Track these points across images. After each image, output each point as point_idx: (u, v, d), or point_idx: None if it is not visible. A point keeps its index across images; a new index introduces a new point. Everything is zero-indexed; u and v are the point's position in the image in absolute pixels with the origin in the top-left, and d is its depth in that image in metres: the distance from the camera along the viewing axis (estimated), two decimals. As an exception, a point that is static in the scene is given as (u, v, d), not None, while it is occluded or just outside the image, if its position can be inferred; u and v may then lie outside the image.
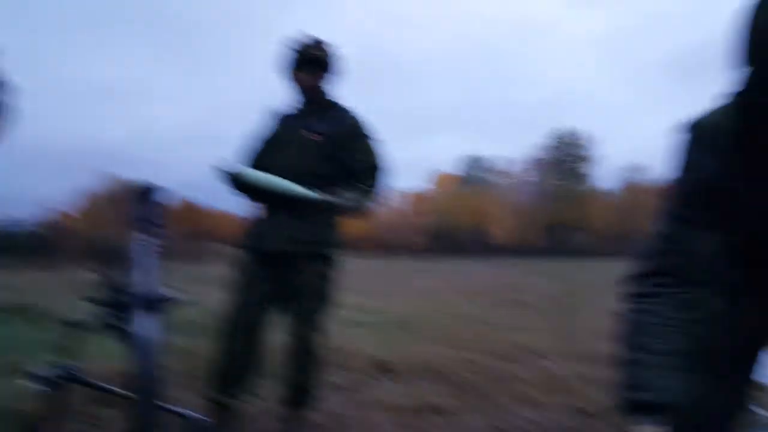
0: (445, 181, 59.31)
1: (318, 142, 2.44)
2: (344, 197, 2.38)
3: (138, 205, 1.97)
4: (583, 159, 51.69)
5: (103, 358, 2.56)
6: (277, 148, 2.50)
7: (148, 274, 1.63)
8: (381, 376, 3.66)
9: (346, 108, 2.57)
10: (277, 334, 2.51)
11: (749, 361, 1.01)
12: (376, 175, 2.51)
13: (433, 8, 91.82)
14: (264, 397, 2.64)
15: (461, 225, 51.58)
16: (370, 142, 2.54)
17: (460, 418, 2.78)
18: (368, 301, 8.05)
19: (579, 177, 51.24)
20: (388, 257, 38.77)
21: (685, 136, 1.03)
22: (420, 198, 57.40)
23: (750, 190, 0.92)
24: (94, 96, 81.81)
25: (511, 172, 56.81)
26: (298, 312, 2.43)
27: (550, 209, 49.10)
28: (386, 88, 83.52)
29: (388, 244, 52.88)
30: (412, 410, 2.88)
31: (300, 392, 2.43)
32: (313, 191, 2.35)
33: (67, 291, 8.17)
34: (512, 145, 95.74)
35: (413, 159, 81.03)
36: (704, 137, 0.99)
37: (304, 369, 2.41)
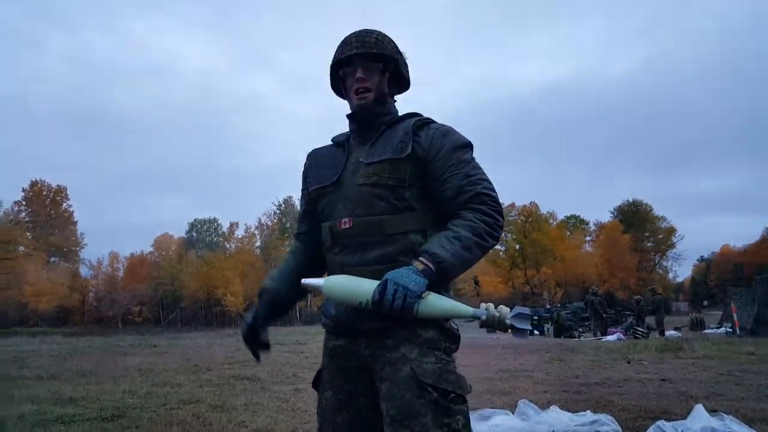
0: (169, 244, 56.00)
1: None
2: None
3: None
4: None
5: None
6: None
7: None
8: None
9: None
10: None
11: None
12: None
13: (147, 68, 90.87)
14: None
15: (190, 292, 48.62)
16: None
17: None
18: (73, 390, 6.89)
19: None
20: (99, 332, 34.44)
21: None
22: (140, 262, 52.82)
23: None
24: None
25: (237, 237, 56.61)
26: None
27: None
28: (92, 141, 78.45)
29: (101, 316, 47.36)
30: None
31: None
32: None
33: None
34: (235, 210, 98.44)
35: (131, 220, 76.54)
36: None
37: None
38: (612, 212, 59.58)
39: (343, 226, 1.56)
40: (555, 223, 56.65)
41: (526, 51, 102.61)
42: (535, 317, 19.10)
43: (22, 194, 48.92)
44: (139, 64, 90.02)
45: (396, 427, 1.40)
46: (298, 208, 1.90)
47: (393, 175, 1.55)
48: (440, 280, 1.45)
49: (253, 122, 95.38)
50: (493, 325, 1.48)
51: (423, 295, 1.39)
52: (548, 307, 22.58)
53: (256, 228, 55.52)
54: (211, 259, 50.14)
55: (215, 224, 58.88)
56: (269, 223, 54.74)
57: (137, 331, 35.28)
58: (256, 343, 1.70)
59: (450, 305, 1.44)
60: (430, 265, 1.41)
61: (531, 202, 55.15)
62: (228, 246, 56.66)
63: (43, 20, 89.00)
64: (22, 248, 46.18)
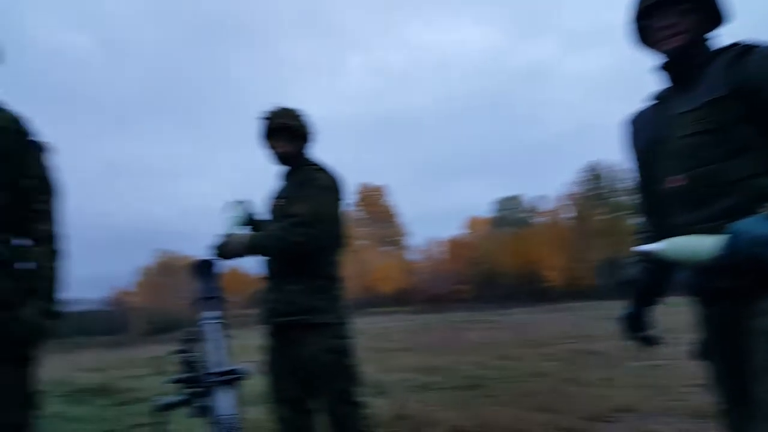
0: (481, 224, 58.55)
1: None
2: None
3: (201, 281, 1.88)
4: (624, 191, 46.29)
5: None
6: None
7: (219, 350, 1.71)
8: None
9: None
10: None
11: None
12: None
13: (431, 63, 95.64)
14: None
15: (506, 269, 49.85)
16: None
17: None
18: (429, 360, 7.66)
19: (622, 209, 46.20)
20: (433, 310, 38.15)
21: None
22: (458, 244, 56.57)
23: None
24: (135, 176, 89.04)
25: (547, 210, 55.40)
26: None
27: (598, 246, 46.54)
28: (399, 142, 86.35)
29: (432, 296, 52.29)
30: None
31: None
32: None
33: (140, 369, 9.04)
34: (538, 184, 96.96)
35: (443, 207, 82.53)
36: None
37: None
38: None
39: (675, 185, 1.45)
40: None
41: None
42: None
43: (355, 196, 57.61)
44: (423, 62, 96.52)
45: (757, 381, 1.35)
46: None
47: (718, 118, 1.38)
48: None
49: (540, 90, 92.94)
50: None
51: None
52: None
53: (565, 198, 53.41)
54: (522, 235, 50.55)
55: (521, 200, 59.17)
56: (578, 191, 51.78)
57: (465, 308, 38.00)
58: (641, 336, 1.72)
59: None
60: None
61: None
62: (537, 221, 56.31)
63: (342, 47, 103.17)
64: (364, 242, 54.45)
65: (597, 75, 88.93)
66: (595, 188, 49.38)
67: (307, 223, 2.27)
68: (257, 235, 2.37)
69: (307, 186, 2.39)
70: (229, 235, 2.35)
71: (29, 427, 1.68)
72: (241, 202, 2.62)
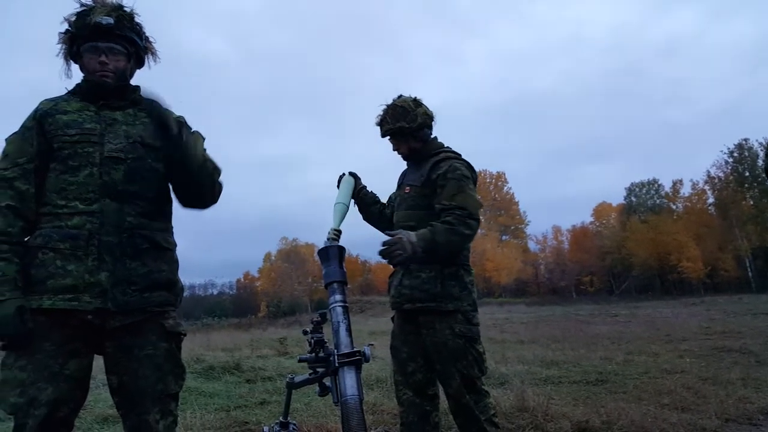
0: (610, 212, 55.13)
1: None
2: None
3: (329, 266, 1.96)
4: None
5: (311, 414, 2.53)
6: None
7: (345, 333, 1.75)
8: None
9: None
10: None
11: None
12: None
13: (557, 45, 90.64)
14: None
15: (638, 260, 46.28)
16: None
17: None
18: (552, 354, 7.41)
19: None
20: (555, 301, 36.75)
21: None
22: (582, 233, 53.79)
23: None
24: (262, 170, 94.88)
25: (683, 195, 50.62)
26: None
27: (745, 234, 41.69)
28: (522, 127, 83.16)
29: (554, 287, 50.35)
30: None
31: None
32: None
33: (265, 349, 9.62)
34: (676, 168, 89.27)
35: (568, 194, 78.66)
36: None
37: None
38: None
39: None
40: None
41: None
42: None
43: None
44: (549, 43, 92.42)
45: None
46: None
47: None
48: None
49: (677, 66, 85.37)
50: None
51: None
52: None
53: (705, 183, 48.10)
54: (656, 223, 46.34)
55: (655, 185, 54.14)
56: (721, 175, 46.31)
57: (591, 300, 36.19)
58: None
59: None
60: None
61: None
62: (674, 207, 51.57)
63: (462, 35, 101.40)
64: (481, 230, 53.29)
65: (745, 46, 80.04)
66: (742, 170, 44.14)
67: (474, 216, 2.29)
68: (427, 233, 2.24)
69: (453, 177, 2.35)
70: (395, 236, 2.22)
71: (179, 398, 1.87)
72: (350, 175, 2.67)
